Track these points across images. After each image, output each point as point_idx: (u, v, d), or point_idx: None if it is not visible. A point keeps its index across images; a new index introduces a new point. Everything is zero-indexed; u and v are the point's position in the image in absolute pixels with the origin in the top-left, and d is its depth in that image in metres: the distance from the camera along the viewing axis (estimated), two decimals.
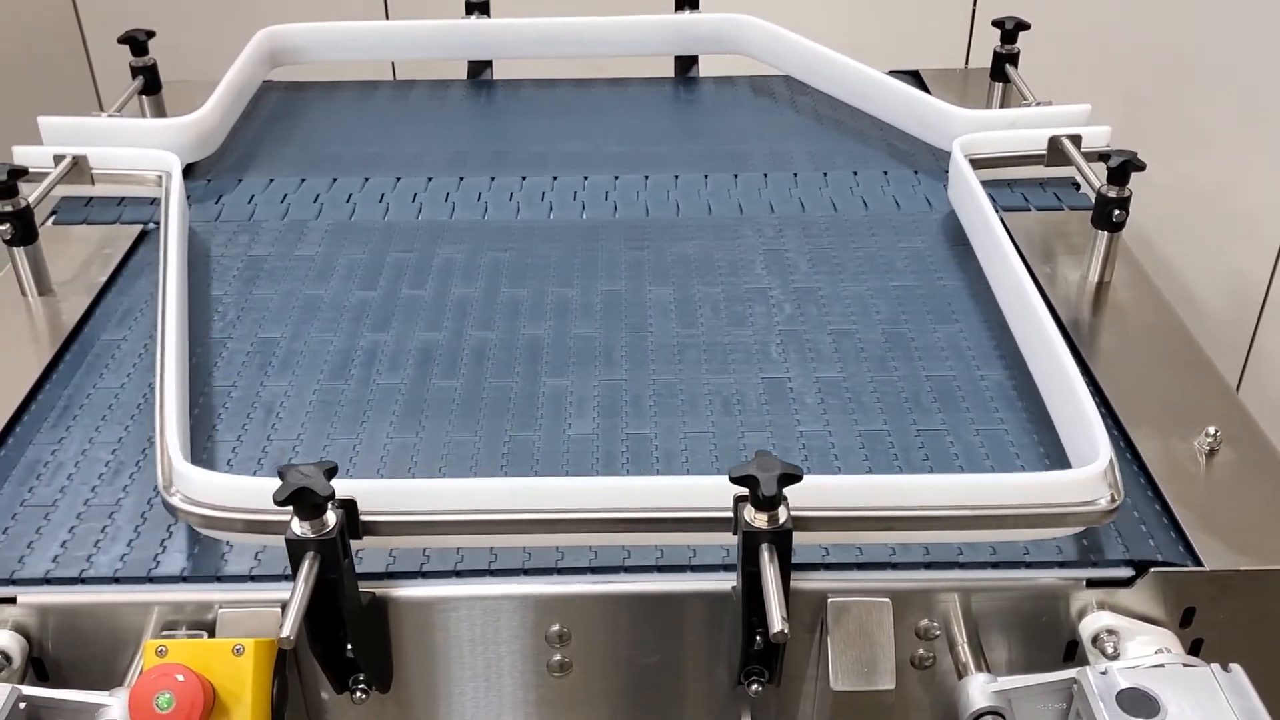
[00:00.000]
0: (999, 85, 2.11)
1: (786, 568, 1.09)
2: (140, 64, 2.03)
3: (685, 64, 2.30)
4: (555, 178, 1.93)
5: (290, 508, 1.05)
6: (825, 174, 1.93)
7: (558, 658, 1.24)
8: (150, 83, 2.06)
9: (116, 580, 1.21)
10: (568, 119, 2.14)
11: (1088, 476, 1.17)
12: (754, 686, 1.22)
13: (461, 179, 1.93)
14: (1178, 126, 2.56)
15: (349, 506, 1.11)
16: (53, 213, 1.84)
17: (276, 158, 2.01)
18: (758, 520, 1.08)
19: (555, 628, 1.22)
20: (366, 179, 1.93)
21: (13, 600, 1.20)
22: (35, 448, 1.38)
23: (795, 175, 1.93)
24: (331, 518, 1.07)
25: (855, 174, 1.93)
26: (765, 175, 1.93)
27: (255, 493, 1.13)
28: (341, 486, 1.10)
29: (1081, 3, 2.53)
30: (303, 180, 1.93)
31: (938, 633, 1.23)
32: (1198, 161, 2.56)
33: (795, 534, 1.11)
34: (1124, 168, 1.57)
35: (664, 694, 1.27)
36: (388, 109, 2.21)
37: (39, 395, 1.47)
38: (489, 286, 1.65)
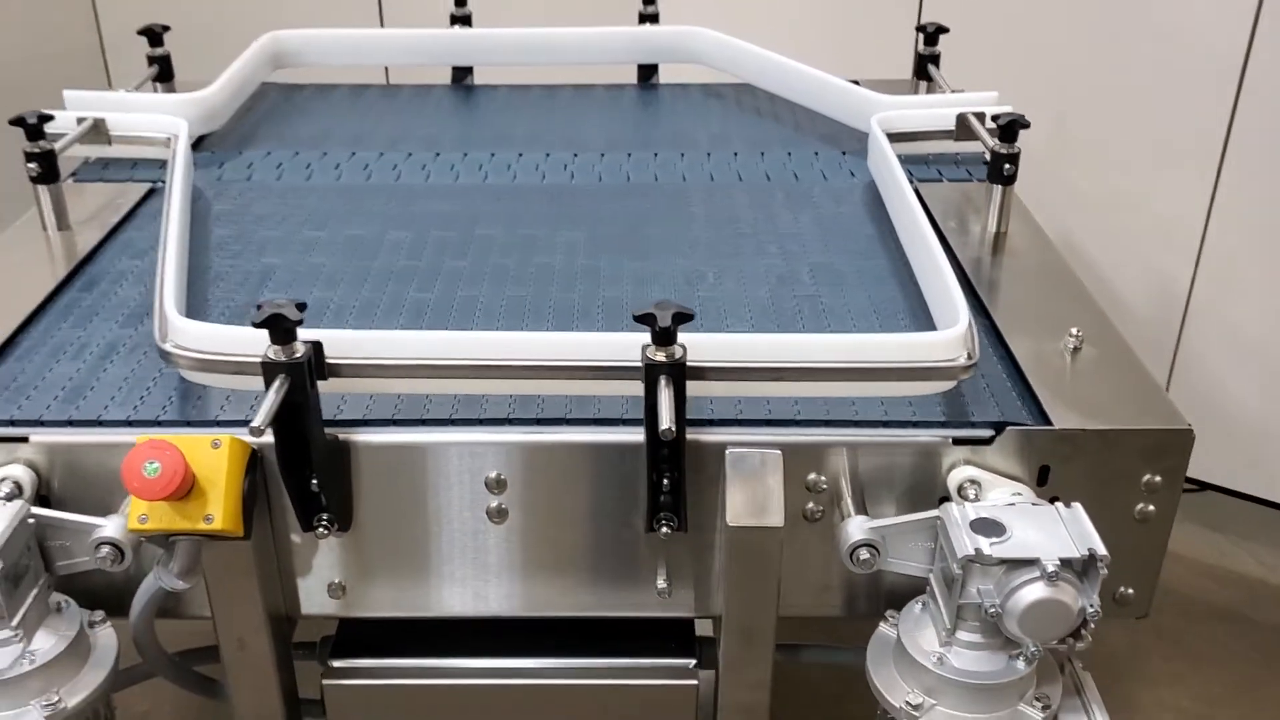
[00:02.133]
0: (923, 84, 2.35)
1: (681, 398, 1.28)
2: (156, 54, 2.28)
3: (646, 72, 2.55)
4: (520, 154, 2.15)
5: (266, 333, 1.25)
6: (762, 153, 2.16)
7: (496, 503, 1.43)
8: (164, 71, 2.30)
9: (110, 424, 1.40)
10: (536, 114, 2.38)
11: (949, 338, 1.37)
12: (663, 529, 1.40)
13: (438, 155, 2.16)
14: (1101, 145, 2.79)
15: (317, 347, 1.31)
16: (73, 173, 2.06)
17: (273, 136, 2.24)
18: (657, 355, 1.28)
19: (494, 474, 1.41)
20: (354, 153, 2.16)
21: (25, 439, 1.39)
22: (51, 332, 1.59)
23: (735, 154, 2.15)
24: (300, 347, 1.27)
25: (789, 154, 2.15)
26: (708, 154, 2.15)
27: (235, 339, 1.34)
28: (310, 334, 1.30)
29: (1013, 31, 2.77)
30: (296, 153, 2.15)
31: (824, 486, 1.42)
32: (1119, 175, 2.78)
33: (693, 383, 1.31)
34: (1011, 126, 1.79)
35: (592, 542, 1.45)
36: (375, 104, 2.44)
37: (57, 300, 1.68)
38: (463, 228, 1.87)
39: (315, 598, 1.49)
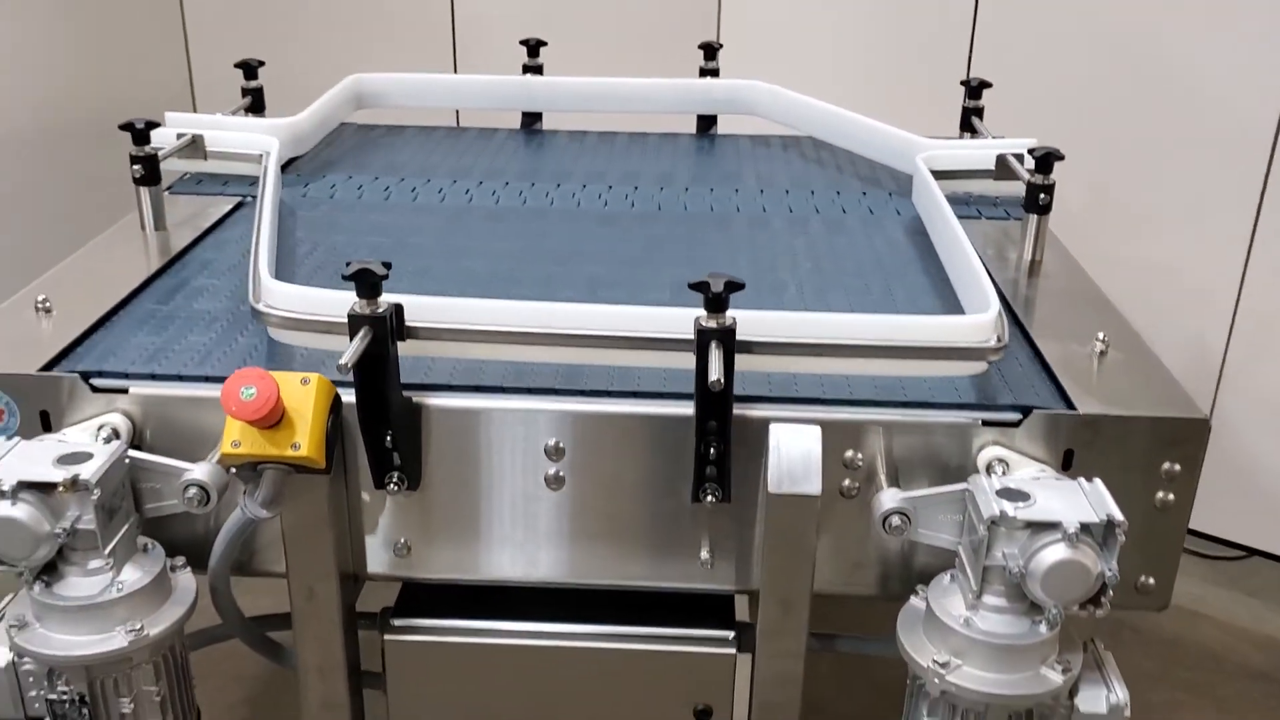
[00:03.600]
0: (967, 135, 2.47)
1: (730, 362, 1.39)
2: (250, 86, 2.45)
3: (706, 123, 2.69)
4: (584, 185, 2.29)
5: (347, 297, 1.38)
6: (812, 191, 2.28)
7: (554, 470, 1.53)
8: (256, 103, 2.47)
9: (199, 378, 1.53)
10: (597, 155, 2.52)
11: (980, 321, 1.48)
12: (709, 499, 1.50)
13: (506, 183, 2.30)
14: (1136, 210, 2.90)
15: (398, 308, 1.43)
16: (168, 187, 2.22)
17: (353, 164, 2.40)
18: (709, 323, 1.39)
19: (553, 441, 1.52)
20: (429, 179, 2.31)
21: (125, 391, 1.52)
22: (147, 308, 1.73)
23: (787, 191, 2.28)
24: (383, 303, 1.40)
25: (838, 192, 2.28)
26: (761, 191, 2.28)
27: (321, 300, 1.47)
28: (391, 298, 1.43)
29: (1053, 99, 2.90)
30: (375, 178, 2.31)
31: (860, 463, 1.51)
32: (1154, 241, 2.89)
33: (741, 357, 1.42)
34: (1046, 158, 1.91)
35: (641, 512, 1.55)
36: (445, 142, 2.61)
37: (152, 284, 1.82)
38: (530, 241, 2.01)
39: (381, 556, 1.59)
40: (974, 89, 2.39)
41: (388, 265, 1.39)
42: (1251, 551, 3.13)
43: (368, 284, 1.38)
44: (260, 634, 1.69)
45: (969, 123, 2.43)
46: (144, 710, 1.50)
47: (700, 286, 1.39)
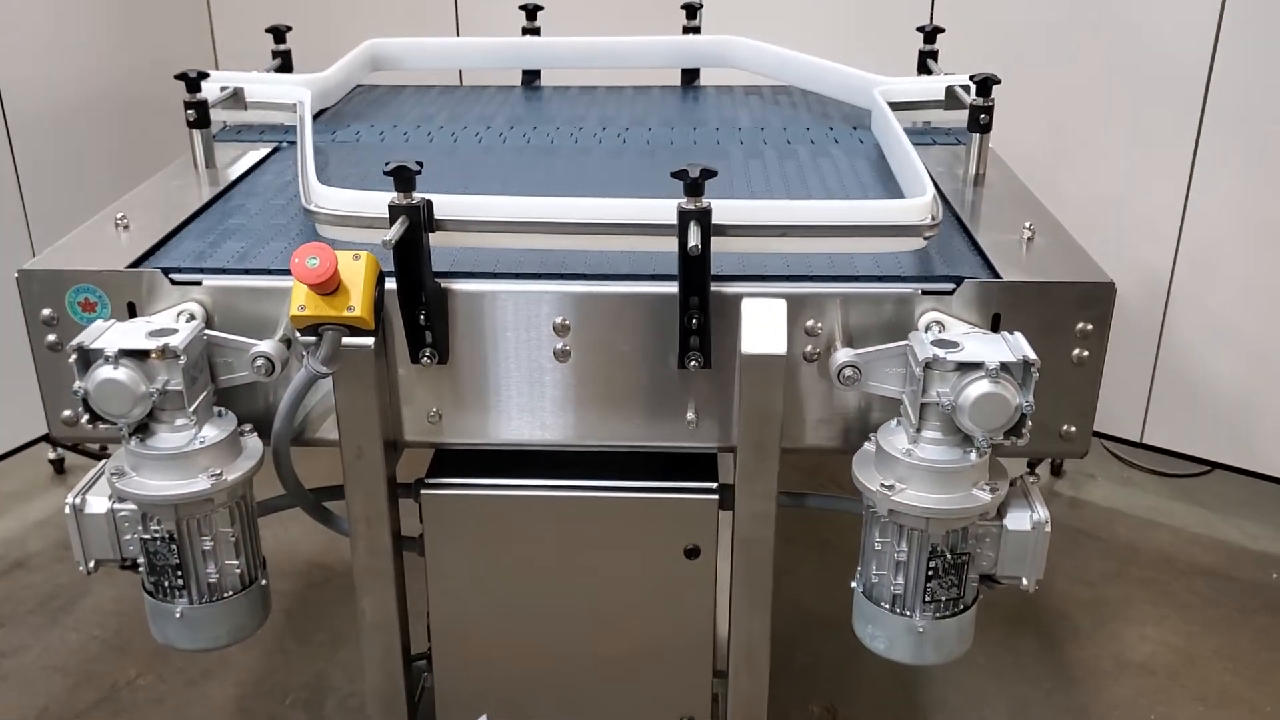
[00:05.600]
0: (924, 76, 2.75)
1: (706, 238, 1.67)
2: (279, 49, 2.73)
3: (689, 76, 2.97)
4: (580, 127, 2.57)
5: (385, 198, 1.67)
6: (785, 128, 2.56)
7: (560, 345, 1.81)
8: (284, 65, 2.75)
9: (261, 271, 1.81)
10: (594, 104, 2.80)
11: (918, 203, 1.76)
12: (692, 364, 1.78)
13: (512, 127, 2.58)
14: (1089, 148, 3.18)
15: (428, 203, 1.71)
16: (214, 135, 2.50)
17: (374, 115, 2.68)
18: (689, 205, 1.67)
19: (559, 319, 1.80)
20: (441, 126, 2.59)
21: (199, 283, 1.81)
22: (209, 223, 2.02)
23: (762, 129, 2.56)
24: (417, 196, 1.68)
25: (807, 129, 2.56)
26: (739, 129, 2.57)
27: (362, 200, 1.75)
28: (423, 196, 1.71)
29: (1012, 51, 3.18)
30: (394, 125, 2.59)
31: (820, 330, 1.79)
32: (1102, 175, 3.17)
33: (716, 240, 1.70)
34: (985, 82, 2.19)
35: (635, 380, 1.83)
36: (456, 96, 2.89)
37: (209, 208, 2.10)
38: (532, 169, 2.29)
39: (416, 424, 1.87)
40: (929, 34, 2.67)
41: (420, 164, 1.67)
42: (1208, 464, 3.40)
43: (404, 178, 1.66)
44: (315, 500, 1.97)
45: (925, 65, 2.70)
46: (221, 549, 1.78)
47: (680, 174, 1.66)
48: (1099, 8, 3.08)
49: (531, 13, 2.96)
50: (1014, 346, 1.67)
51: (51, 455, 3.63)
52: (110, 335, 1.68)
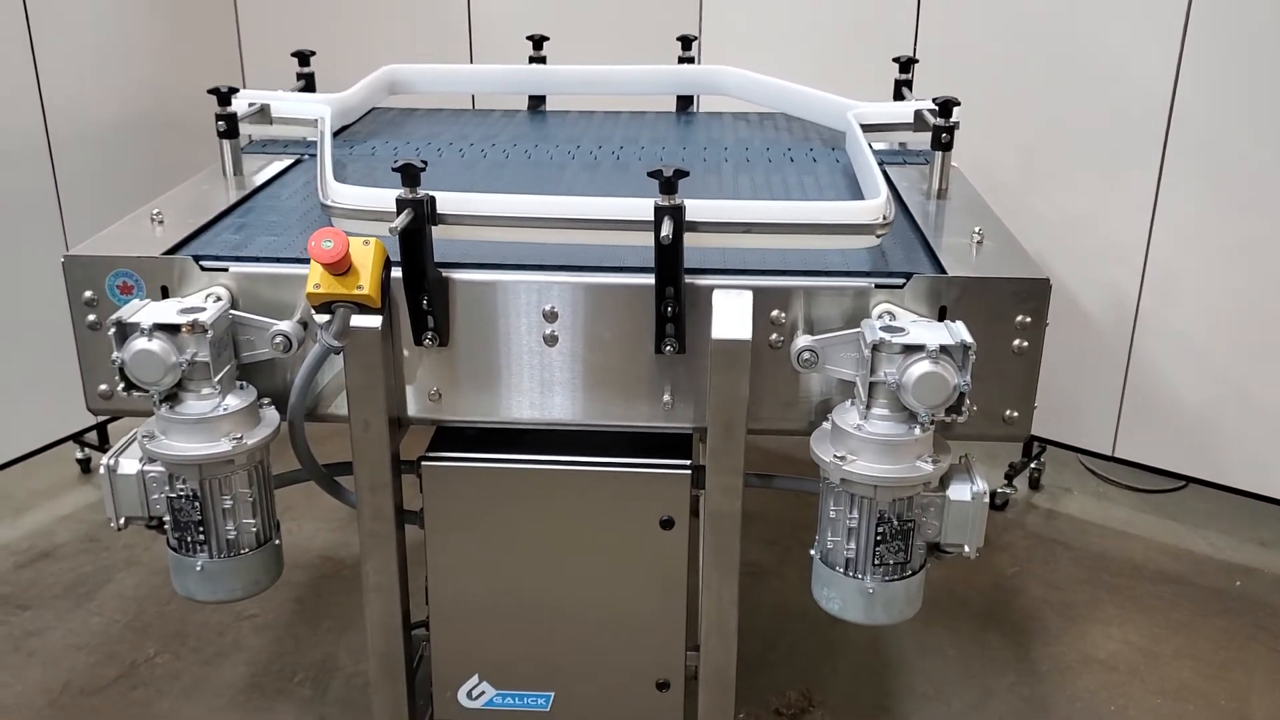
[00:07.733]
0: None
1: (679, 231, 1.87)
2: (303, 71, 2.96)
3: (684, 102, 3.19)
4: (579, 145, 2.78)
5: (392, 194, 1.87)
6: (768, 148, 2.77)
7: (550, 330, 2.01)
8: (308, 86, 2.97)
9: (280, 260, 2.02)
10: (593, 126, 3.02)
11: (872, 204, 1.96)
12: (668, 349, 1.97)
13: (515, 144, 2.79)
14: (1058, 175, 3.38)
15: (432, 199, 1.91)
16: (241, 148, 2.72)
17: (389, 133, 2.90)
18: (664, 202, 1.87)
19: (549, 307, 2.00)
20: (450, 142, 2.80)
21: (225, 269, 2.01)
22: (235, 220, 2.23)
23: (747, 149, 2.77)
24: (421, 192, 1.88)
25: (788, 149, 2.76)
26: (725, 148, 2.77)
27: (372, 196, 1.96)
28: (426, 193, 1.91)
29: (989, 82, 3.39)
30: (407, 142, 2.81)
31: (783, 320, 1.98)
32: (1072, 201, 3.37)
33: (689, 235, 1.89)
34: (946, 104, 2.39)
35: (617, 364, 2.02)
36: (469, 118, 3.10)
37: (238, 207, 2.32)
38: (534, 180, 2.49)
39: (418, 403, 2.06)
40: (904, 64, 2.88)
41: (425, 162, 1.88)
42: (1182, 479, 3.56)
43: (410, 174, 1.87)
44: (326, 473, 2.16)
45: (900, 93, 2.91)
46: (240, 508, 1.97)
47: (655, 174, 1.86)
48: (1070, 43, 3.28)
49: (538, 43, 3.18)
50: (954, 332, 1.86)
51: (79, 455, 3.84)
52: (146, 312, 1.88)
